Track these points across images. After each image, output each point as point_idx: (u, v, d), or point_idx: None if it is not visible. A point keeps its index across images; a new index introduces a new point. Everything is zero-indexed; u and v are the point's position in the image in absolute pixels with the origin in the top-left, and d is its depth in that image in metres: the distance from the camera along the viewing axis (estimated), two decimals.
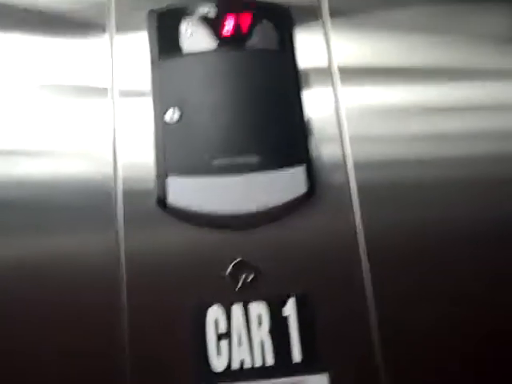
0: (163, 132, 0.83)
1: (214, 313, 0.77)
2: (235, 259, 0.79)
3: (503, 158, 0.88)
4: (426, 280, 0.81)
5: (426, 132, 0.89)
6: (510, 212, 0.85)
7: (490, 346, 0.79)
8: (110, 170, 0.83)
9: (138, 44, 0.90)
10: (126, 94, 0.88)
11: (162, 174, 0.81)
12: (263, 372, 0.75)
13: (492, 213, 0.85)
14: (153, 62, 0.88)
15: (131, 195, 0.82)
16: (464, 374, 0.78)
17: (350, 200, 0.84)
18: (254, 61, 0.88)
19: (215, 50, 0.87)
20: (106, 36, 0.91)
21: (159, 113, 0.84)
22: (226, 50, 0.88)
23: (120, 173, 0.83)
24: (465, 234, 0.83)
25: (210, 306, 0.77)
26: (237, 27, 0.88)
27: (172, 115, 0.83)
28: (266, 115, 0.85)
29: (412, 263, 0.81)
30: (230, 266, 0.79)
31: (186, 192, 0.80)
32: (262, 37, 0.88)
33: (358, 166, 0.86)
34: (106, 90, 0.88)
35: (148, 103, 0.86)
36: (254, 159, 0.81)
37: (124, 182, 0.83)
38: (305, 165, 0.82)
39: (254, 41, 0.88)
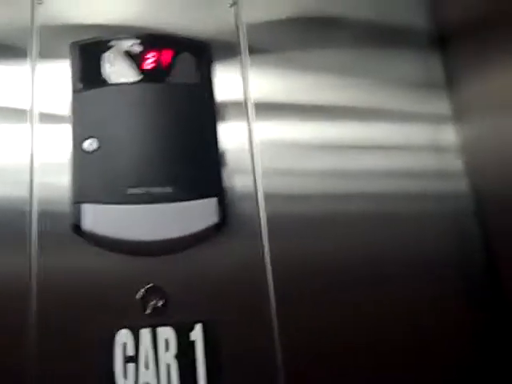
0: (80, 160, 0.85)
1: (123, 336, 0.79)
2: (146, 285, 0.81)
3: (408, 196, 0.95)
4: (330, 310, 0.85)
5: (334, 168, 0.94)
6: (412, 245, 0.91)
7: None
8: (25, 191, 0.85)
9: (59, 72, 0.92)
10: (45, 118, 0.90)
11: (78, 201, 0.83)
12: None
13: (395, 246, 0.91)
14: (74, 91, 0.90)
15: (46, 217, 0.84)
16: None
17: (260, 230, 0.87)
18: (173, 94, 0.91)
19: (136, 83, 0.90)
20: (28, 61, 0.92)
21: (78, 141, 0.86)
22: (146, 82, 0.91)
23: (36, 194, 0.85)
24: (368, 265, 0.89)
25: (119, 330, 0.79)
26: (158, 61, 0.92)
27: (90, 144, 0.85)
28: (182, 148, 0.88)
29: (317, 293, 0.86)
30: (141, 291, 0.81)
31: (101, 219, 0.82)
32: (182, 71, 0.92)
33: (268, 198, 0.90)
34: (25, 112, 0.90)
35: (67, 129, 0.88)
36: (168, 190, 0.85)
37: (39, 204, 0.85)
38: (217, 197, 0.86)
39: (175, 75, 0.92)
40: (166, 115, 0.90)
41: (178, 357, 0.79)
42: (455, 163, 0.98)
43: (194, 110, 0.92)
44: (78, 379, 0.77)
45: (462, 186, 0.96)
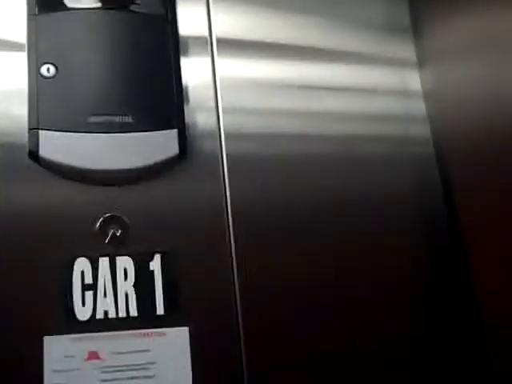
0: (38, 86, 0.82)
1: (81, 264, 0.78)
2: (105, 214, 0.80)
3: (370, 138, 0.95)
4: (286, 247, 0.85)
5: (297, 108, 0.93)
6: (373, 188, 0.92)
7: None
8: None
9: None
10: (1, 44, 0.86)
11: (35, 128, 0.81)
12: (127, 323, 0.77)
13: (355, 188, 0.91)
14: (29, 16, 0.86)
15: (3, 147, 0.81)
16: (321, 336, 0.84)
17: (221, 167, 0.86)
18: (136, 23, 0.89)
19: (97, 9, 0.88)
20: None
21: (34, 67, 0.83)
22: (108, 9, 0.88)
23: None
24: (327, 207, 0.89)
25: (78, 258, 0.78)
26: None
27: (48, 70, 0.83)
28: (144, 78, 0.87)
29: (274, 231, 0.86)
30: (100, 220, 0.80)
31: (59, 147, 0.80)
32: (145, 1, 0.89)
33: (229, 136, 0.89)
34: None
35: (24, 56, 0.85)
36: (128, 119, 0.83)
37: None
38: (178, 128, 0.85)
39: (137, 3, 0.89)
40: (127, 44, 0.88)
41: (136, 286, 0.79)
42: (417, 108, 0.98)
43: (156, 42, 0.90)
44: (37, 307, 0.76)
45: (425, 130, 0.96)
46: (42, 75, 0.83)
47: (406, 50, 1.01)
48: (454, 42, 0.94)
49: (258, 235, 0.85)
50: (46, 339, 0.75)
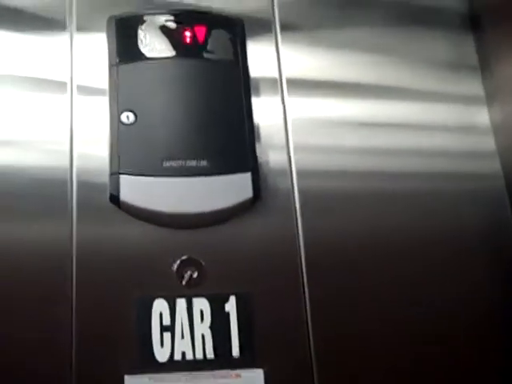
0: (118, 132, 0.86)
1: (159, 306, 0.81)
2: (182, 256, 0.83)
3: (440, 175, 0.95)
4: (360, 286, 0.86)
5: (367, 146, 0.95)
6: (444, 225, 0.92)
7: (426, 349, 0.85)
8: (66, 161, 0.87)
9: (97, 45, 0.93)
10: (84, 90, 0.91)
11: (116, 172, 0.84)
12: (203, 364, 0.79)
13: (426, 226, 0.91)
14: (111, 65, 0.91)
15: (86, 187, 0.85)
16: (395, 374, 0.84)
17: (293, 206, 0.89)
18: (208, 70, 0.93)
19: (171, 58, 0.91)
20: (67, 34, 0.93)
21: (115, 113, 0.87)
22: (181, 58, 0.92)
23: (75, 164, 0.86)
24: (400, 244, 0.90)
25: (156, 299, 0.81)
26: (193, 37, 0.93)
27: (127, 117, 0.87)
28: (217, 122, 0.90)
29: (348, 269, 0.87)
30: (177, 263, 0.83)
31: (138, 190, 0.84)
32: (216, 47, 0.93)
33: (301, 174, 0.91)
34: (65, 84, 0.91)
35: (105, 102, 0.89)
36: (203, 163, 0.86)
37: (79, 174, 0.86)
38: (251, 171, 0.87)
39: (209, 50, 0.93)
40: (200, 90, 0.91)
41: (212, 327, 0.81)
42: (487, 143, 0.98)
43: (228, 86, 0.93)
44: (116, 347, 0.79)
45: (494, 166, 0.96)
46: (122, 122, 0.87)
47: (473, 85, 1.01)
48: None
49: (331, 274, 0.86)
50: (127, 378, 0.77)
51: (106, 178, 0.85)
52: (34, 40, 0.93)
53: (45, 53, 0.92)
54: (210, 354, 0.80)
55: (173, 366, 0.79)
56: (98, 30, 0.94)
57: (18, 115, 0.89)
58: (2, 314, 0.78)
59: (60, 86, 0.91)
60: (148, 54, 0.91)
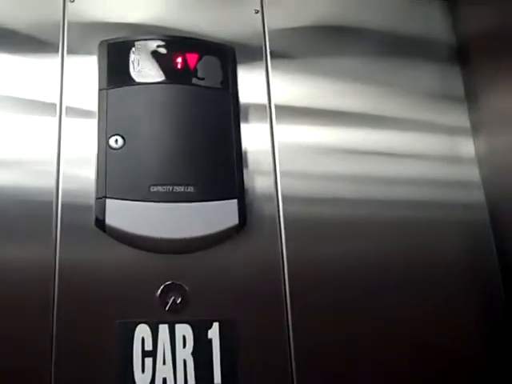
0: (106, 156, 0.87)
1: (142, 331, 0.81)
2: (166, 282, 0.83)
3: (423, 204, 0.97)
4: (344, 314, 0.87)
5: (352, 173, 0.96)
6: (425, 254, 0.93)
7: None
8: (52, 182, 0.87)
9: (87, 68, 0.94)
10: (73, 112, 0.92)
11: (102, 196, 0.85)
12: None
13: (408, 253, 0.93)
14: (100, 89, 0.92)
15: (71, 210, 0.86)
16: None
17: (279, 232, 0.89)
18: (198, 96, 0.93)
19: (162, 83, 0.92)
20: (58, 56, 0.94)
21: (103, 137, 0.88)
22: (171, 83, 0.93)
23: (61, 186, 0.87)
24: (381, 271, 0.91)
25: (138, 325, 0.81)
26: (185, 63, 0.94)
27: (116, 141, 0.87)
28: (205, 149, 0.90)
29: (331, 296, 0.88)
30: (161, 288, 0.83)
31: (124, 214, 0.84)
32: (207, 73, 0.94)
33: (287, 200, 0.92)
34: (54, 106, 0.91)
35: (94, 125, 0.90)
36: (190, 189, 0.86)
37: (65, 196, 0.86)
38: (238, 198, 0.88)
39: (199, 77, 0.94)
40: (189, 116, 0.92)
41: (194, 354, 0.81)
42: (471, 174, 1.00)
43: (217, 112, 0.94)
44: (96, 371, 0.79)
45: (478, 196, 0.98)
46: (110, 146, 0.88)
47: (460, 116, 1.04)
48: (507, 109, 0.95)
49: (315, 301, 0.87)
50: None
51: (92, 201, 0.86)
52: (25, 61, 0.93)
53: (35, 74, 0.93)
54: (192, 381, 0.80)
55: None
56: (89, 53, 0.95)
57: (6, 135, 0.89)
58: None
59: (49, 107, 0.91)
60: (138, 79, 0.91)
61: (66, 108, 0.92)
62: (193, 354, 0.81)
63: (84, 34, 0.96)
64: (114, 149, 0.87)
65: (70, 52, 0.95)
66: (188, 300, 0.83)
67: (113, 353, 0.80)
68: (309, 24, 1.05)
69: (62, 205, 0.86)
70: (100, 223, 0.84)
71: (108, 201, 0.84)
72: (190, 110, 0.92)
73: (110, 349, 0.80)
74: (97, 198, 0.85)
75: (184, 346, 0.81)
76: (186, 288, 0.84)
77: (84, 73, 0.94)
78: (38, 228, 0.84)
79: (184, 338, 0.81)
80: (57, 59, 0.94)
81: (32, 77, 0.93)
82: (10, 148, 0.88)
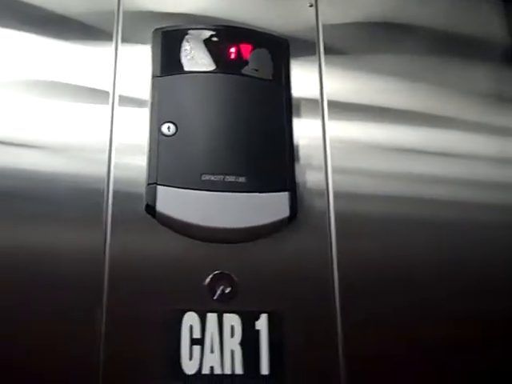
0: (158, 143, 0.87)
1: (190, 319, 0.80)
2: (215, 271, 0.82)
3: (472, 205, 0.95)
4: (392, 308, 0.86)
5: (401, 171, 0.95)
6: (470, 255, 0.92)
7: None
8: (103, 170, 0.87)
9: (141, 57, 0.94)
10: (125, 100, 0.92)
11: (153, 182, 0.84)
12: (232, 379, 0.78)
13: (455, 254, 0.91)
14: (154, 77, 0.92)
15: (122, 197, 0.85)
16: None
17: (328, 227, 0.88)
18: (249, 87, 0.93)
19: (214, 72, 0.92)
20: (112, 44, 0.94)
21: (156, 124, 0.88)
22: (223, 73, 0.92)
23: (113, 174, 0.86)
24: (427, 267, 0.90)
25: (187, 312, 0.80)
26: (237, 53, 0.93)
27: (168, 128, 0.87)
28: (257, 140, 0.90)
29: (380, 291, 0.86)
30: (210, 277, 0.82)
31: (174, 202, 0.84)
32: (259, 65, 0.93)
33: (338, 196, 0.91)
34: (107, 94, 0.91)
35: (146, 113, 0.90)
36: (241, 180, 0.86)
37: (116, 184, 0.86)
38: (289, 191, 0.87)
39: (251, 68, 0.93)
40: (241, 106, 0.91)
41: (242, 344, 0.80)
42: None
43: (268, 104, 0.93)
44: (145, 358, 0.78)
45: None
46: (162, 133, 0.87)
47: (509, 117, 1.01)
48: None
49: (364, 296, 0.86)
50: None
51: (142, 189, 0.85)
52: (79, 49, 0.93)
53: (89, 62, 0.93)
54: (239, 370, 0.79)
55: (201, 379, 0.78)
56: (142, 42, 0.95)
57: (59, 122, 0.89)
58: (32, 324, 0.78)
59: (102, 95, 0.91)
60: (190, 68, 0.91)
61: (119, 96, 0.91)
62: (240, 344, 0.80)
63: (137, 23, 0.97)
64: (166, 136, 0.87)
65: (123, 40, 0.95)
66: (236, 290, 0.83)
67: (161, 340, 0.79)
68: (362, 20, 1.04)
69: (113, 192, 0.86)
70: (151, 209, 0.84)
71: (159, 187, 0.84)
72: (241, 100, 0.92)
73: (158, 336, 0.79)
74: (148, 184, 0.85)
75: (232, 335, 0.80)
76: (235, 278, 0.83)
77: (136, 61, 0.94)
78: (88, 215, 0.84)
79: (232, 327, 0.81)
80: (111, 47, 0.94)
81: (86, 64, 0.93)
82: (63, 135, 0.88)
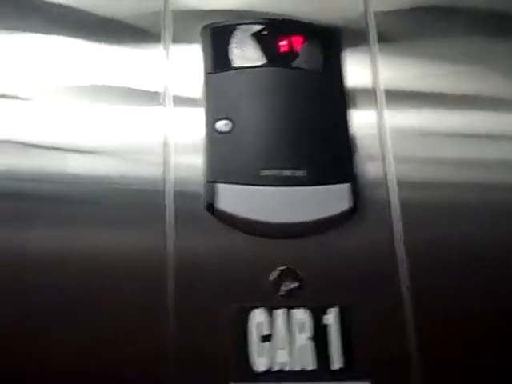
0: (214, 140, 0.86)
1: (258, 315, 0.79)
2: (279, 266, 0.81)
3: None
4: (463, 298, 0.83)
5: (465, 157, 0.92)
6: None
7: None
8: (160, 170, 0.86)
9: (191, 55, 0.94)
10: (178, 100, 0.91)
11: (212, 180, 0.84)
12: (303, 376, 0.77)
13: None
14: (206, 73, 0.91)
15: (180, 197, 0.85)
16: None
17: (391, 217, 0.86)
18: (302, 79, 0.92)
19: (265, 66, 0.91)
20: (161, 45, 0.94)
21: (211, 121, 0.87)
22: (275, 67, 0.91)
23: (171, 174, 0.86)
24: (500, 255, 0.86)
25: (254, 309, 0.79)
26: (288, 46, 0.92)
27: (224, 125, 0.86)
28: (313, 132, 0.88)
29: (450, 282, 0.84)
30: (274, 273, 0.81)
31: (234, 199, 0.83)
32: (311, 57, 0.92)
33: (398, 185, 0.89)
34: (159, 95, 0.91)
35: (200, 111, 0.89)
36: (300, 173, 0.84)
37: (173, 184, 0.86)
38: (350, 183, 0.86)
39: (303, 60, 0.92)
40: (295, 100, 0.90)
41: (312, 339, 0.79)
42: None
43: (322, 96, 0.92)
44: (214, 357, 0.78)
45: None
46: (217, 130, 0.86)
47: None
48: None
49: (434, 286, 0.83)
50: None
51: (201, 188, 0.85)
52: (129, 51, 0.94)
53: (140, 64, 0.93)
54: (310, 366, 0.78)
55: (271, 376, 0.77)
56: (190, 40, 0.95)
57: (113, 126, 0.89)
58: (97, 329, 0.78)
59: (155, 96, 0.91)
60: (241, 63, 0.91)
61: (171, 96, 0.91)
62: (310, 339, 0.79)
63: (185, 21, 0.96)
64: (222, 132, 0.86)
65: (172, 40, 0.95)
66: (302, 285, 0.81)
67: (229, 338, 0.78)
68: (413, 5, 1.01)
69: (171, 192, 0.85)
70: (210, 207, 0.83)
71: (218, 185, 0.84)
72: (294, 93, 0.90)
73: (225, 334, 0.79)
74: (206, 183, 0.84)
75: (301, 331, 0.79)
76: (300, 273, 0.82)
77: (187, 60, 0.94)
78: (148, 216, 0.84)
79: (301, 323, 0.79)
80: (160, 47, 0.94)
81: (136, 66, 0.93)
82: (117, 138, 0.89)
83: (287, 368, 0.77)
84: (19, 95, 0.90)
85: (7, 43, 0.93)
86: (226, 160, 0.85)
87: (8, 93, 0.90)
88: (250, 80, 0.91)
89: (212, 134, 0.86)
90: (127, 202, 0.84)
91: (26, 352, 0.77)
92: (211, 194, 0.83)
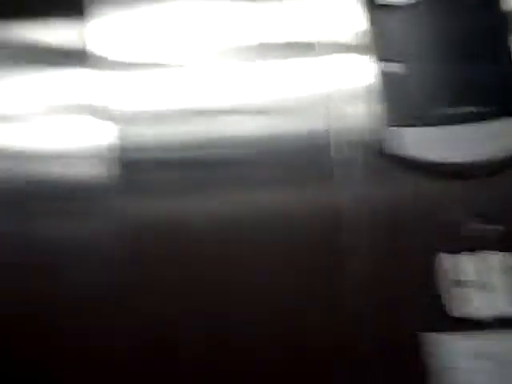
0: (382, 83, 0.83)
1: (447, 260, 0.76)
2: (465, 208, 0.78)
3: None
4: None
5: None
6: None
7: None
8: (323, 124, 0.83)
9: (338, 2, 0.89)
10: (333, 48, 0.87)
11: (383, 124, 0.81)
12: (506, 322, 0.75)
13: None
14: (365, 15, 0.87)
15: (346, 148, 0.82)
16: None
17: None
18: (460, 10, 0.87)
19: (426, 2, 0.87)
20: None
21: (377, 64, 0.84)
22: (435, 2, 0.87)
23: (334, 125, 0.83)
24: None
25: (440, 254, 0.77)
26: None
27: (390, 66, 0.83)
28: (481, 65, 0.84)
29: None
30: (461, 215, 0.78)
31: (409, 142, 0.80)
32: None
33: None
34: (312, 45, 0.87)
35: (358, 58, 0.86)
36: (473, 109, 0.81)
37: (338, 135, 0.82)
38: None
39: None
40: (455, 32, 0.86)
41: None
42: None
43: (483, 26, 0.87)
44: (407, 302, 0.76)
45: None
46: (384, 72, 0.83)
47: None
48: None
49: None
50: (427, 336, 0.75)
51: (364, 136, 0.82)
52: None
53: (293, 15, 0.89)
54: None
55: (467, 323, 0.75)
56: None
57: (271, 82, 0.86)
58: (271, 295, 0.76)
59: (307, 47, 0.87)
60: (398, 1, 0.86)
61: (325, 45, 0.87)
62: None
63: None
64: (389, 74, 0.83)
65: None
66: (491, 228, 0.77)
67: (422, 284, 0.76)
68: None
69: (338, 144, 0.82)
70: (388, 153, 0.80)
71: (394, 129, 0.81)
72: (455, 26, 0.86)
73: (417, 281, 0.77)
74: (383, 128, 0.81)
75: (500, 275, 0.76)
76: (488, 214, 0.78)
77: (335, 7, 0.89)
78: (315, 172, 0.81)
79: (492, 267, 0.76)
80: None
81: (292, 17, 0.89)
82: (278, 96, 0.85)
83: (486, 313, 0.75)
84: (183, 63, 0.88)
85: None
86: (394, 102, 0.82)
87: (171, 62, 0.89)
88: (408, 18, 0.87)
89: (379, 77, 0.83)
90: (292, 159, 0.82)
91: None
92: (388, 139, 0.80)
